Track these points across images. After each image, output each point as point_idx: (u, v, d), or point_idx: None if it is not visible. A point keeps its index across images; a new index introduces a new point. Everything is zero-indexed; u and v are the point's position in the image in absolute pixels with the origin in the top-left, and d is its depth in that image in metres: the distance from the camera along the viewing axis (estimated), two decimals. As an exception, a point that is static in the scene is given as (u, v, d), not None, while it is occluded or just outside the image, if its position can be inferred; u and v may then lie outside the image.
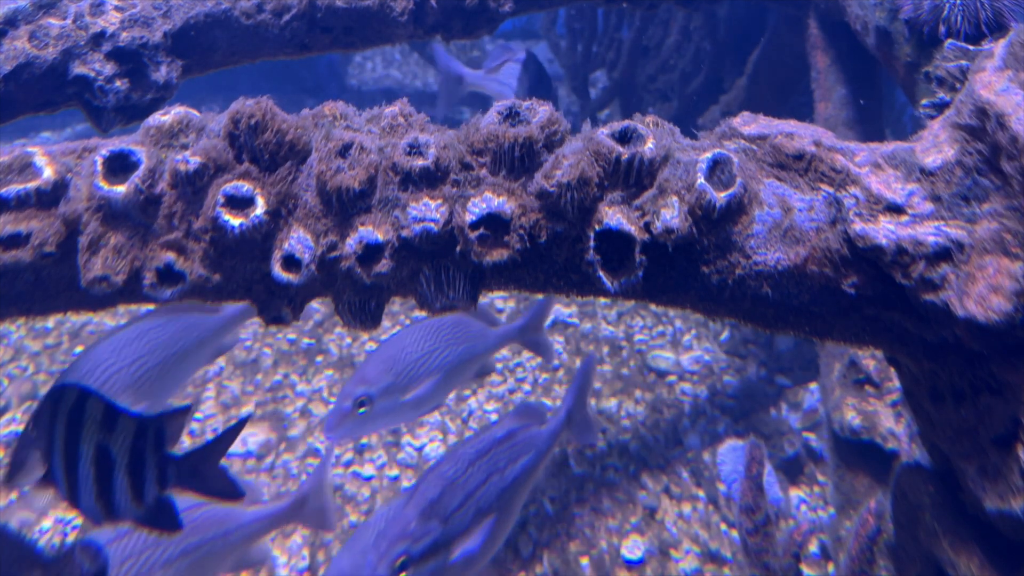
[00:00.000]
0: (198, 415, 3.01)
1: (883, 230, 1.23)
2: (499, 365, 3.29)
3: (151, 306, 1.62)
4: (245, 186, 1.32)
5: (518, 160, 1.30)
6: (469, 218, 1.27)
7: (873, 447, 2.26)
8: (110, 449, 1.24)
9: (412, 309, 3.59)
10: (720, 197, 1.27)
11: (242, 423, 1.38)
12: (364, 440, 2.90)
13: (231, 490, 1.34)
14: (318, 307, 3.55)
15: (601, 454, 2.89)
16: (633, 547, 2.53)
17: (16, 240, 1.31)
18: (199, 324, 2.09)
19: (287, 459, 2.82)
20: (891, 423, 2.25)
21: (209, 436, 2.90)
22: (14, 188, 1.32)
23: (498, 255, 1.27)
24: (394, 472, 2.79)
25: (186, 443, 2.85)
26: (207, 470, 1.32)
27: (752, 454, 1.73)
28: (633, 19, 4.49)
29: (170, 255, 1.33)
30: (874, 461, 2.29)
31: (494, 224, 1.28)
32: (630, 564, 2.49)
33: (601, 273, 1.28)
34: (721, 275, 1.32)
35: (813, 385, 3.06)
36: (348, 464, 2.81)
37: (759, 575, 1.72)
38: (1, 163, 1.35)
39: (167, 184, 1.33)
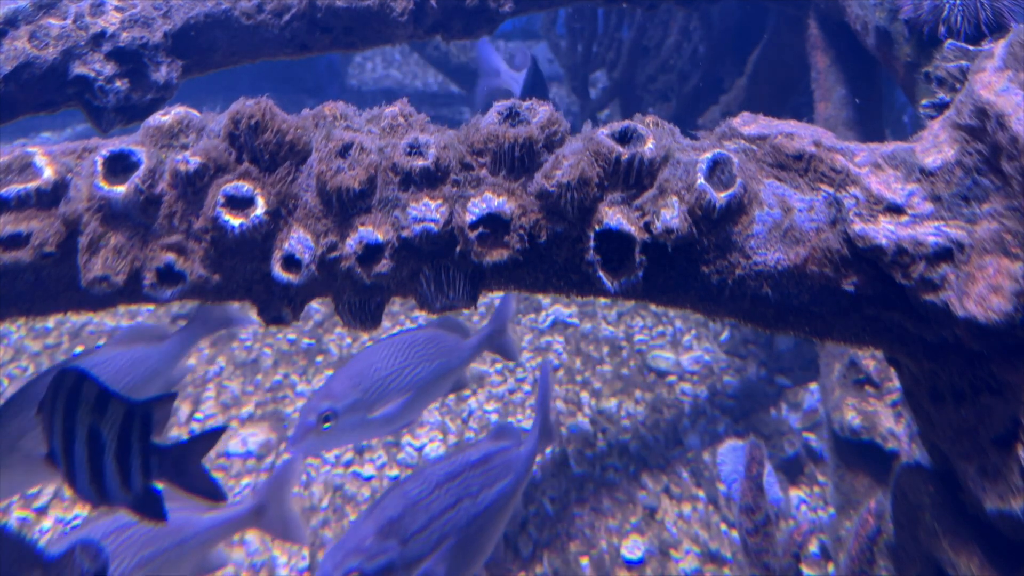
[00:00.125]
0: (198, 415, 3.01)
1: (883, 230, 1.23)
2: (499, 365, 3.29)
3: (151, 306, 1.62)
4: (245, 186, 1.32)
5: (518, 160, 1.30)
6: (469, 218, 1.27)
7: (873, 447, 2.26)
8: (101, 433, 1.27)
9: (412, 309, 3.59)
10: (720, 197, 1.27)
11: (220, 430, 1.41)
12: (364, 441, 2.90)
13: (213, 490, 1.36)
14: (318, 307, 3.55)
15: (601, 454, 2.89)
16: (633, 547, 2.53)
17: (16, 240, 1.31)
18: (144, 359, 1.99)
19: (287, 460, 2.82)
20: (891, 423, 2.25)
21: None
22: (14, 188, 1.32)
23: (498, 255, 1.27)
24: (394, 472, 2.79)
25: (186, 443, 2.85)
26: (189, 467, 1.35)
27: (752, 454, 1.73)
28: (633, 19, 4.49)
29: (170, 255, 1.33)
30: (874, 461, 2.29)
31: (494, 224, 1.28)
32: (630, 564, 2.49)
33: (601, 273, 1.28)
34: (721, 275, 1.32)
35: (813, 385, 3.06)
36: (348, 464, 2.81)
37: (759, 575, 1.72)
38: (1, 163, 1.35)
39: (167, 184, 1.33)
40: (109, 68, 2.15)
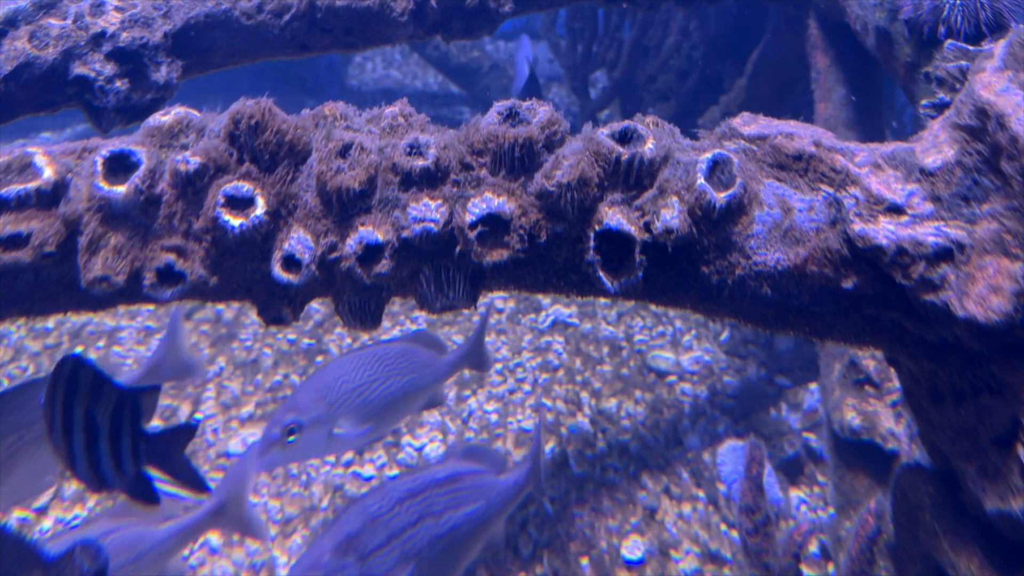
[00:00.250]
0: (198, 415, 3.01)
1: (883, 230, 1.23)
2: (499, 366, 3.30)
3: (151, 306, 1.62)
4: (245, 186, 1.32)
5: (518, 160, 1.30)
6: (469, 218, 1.27)
7: (873, 447, 2.26)
8: (96, 417, 1.29)
9: (412, 309, 3.59)
10: (720, 197, 1.27)
11: (195, 426, 1.46)
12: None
13: (196, 481, 1.40)
14: (318, 307, 3.55)
15: (601, 454, 2.89)
16: (633, 547, 2.53)
17: (16, 240, 1.31)
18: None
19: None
20: (891, 423, 2.25)
21: (209, 437, 2.91)
22: (14, 188, 1.32)
23: (498, 255, 1.27)
24: (394, 472, 2.79)
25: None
26: (173, 455, 1.38)
27: (752, 454, 1.73)
28: (634, 19, 4.49)
29: (170, 255, 1.33)
30: (874, 461, 2.29)
31: (494, 224, 1.28)
32: (630, 564, 2.49)
33: (601, 273, 1.28)
34: (721, 275, 1.32)
35: (813, 385, 3.06)
36: (348, 464, 2.81)
37: (759, 575, 1.72)
38: (1, 163, 1.35)
39: (167, 184, 1.33)
40: (109, 68, 2.15)
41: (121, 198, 1.30)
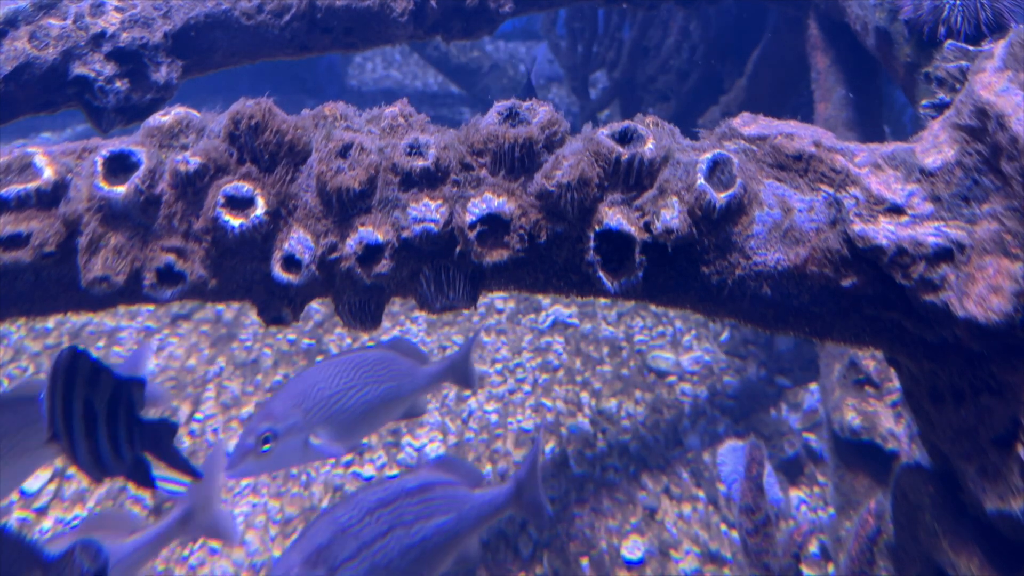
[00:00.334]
0: (198, 415, 3.01)
1: (883, 231, 1.23)
2: (499, 366, 3.30)
3: (151, 306, 1.62)
4: (245, 187, 1.32)
5: (518, 160, 1.30)
6: (469, 218, 1.27)
7: (873, 447, 2.26)
8: (95, 405, 1.31)
9: (412, 309, 3.59)
10: (720, 198, 1.27)
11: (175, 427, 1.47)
12: (364, 440, 2.90)
13: (187, 467, 1.44)
14: (318, 307, 3.55)
15: (601, 454, 2.89)
16: (633, 547, 2.53)
17: (16, 240, 1.31)
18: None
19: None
20: (891, 423, 2.25)
21: (209, 437, 2.90)
22: (14, 188, 1.32)
23: (498, 255, 1.27)
24: (394, 472, 2.79)
25: (187, 443, 2.85)
26: (163, 442, 1.42)
27: (752, 455, 1.73)
28: (634, 19, 4.50)
29: (170, 256, 1.33)
30: (874, 461, 2.29)
31: (494, 224, 1.28)
32: (630, 564, 2.49)
33: (601, 273, 1.28)
34: (721, 275, 1.32)
35: (813, 385, 3.06)
36: (348, 464, 2.81)
37: (759, 575, 1.72)
38: (1, 163, 1.35)
39: (167, 184, 1.33)
40: (109, 68, 2.15)
41: (121, 198, 1.30)
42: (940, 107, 1.67)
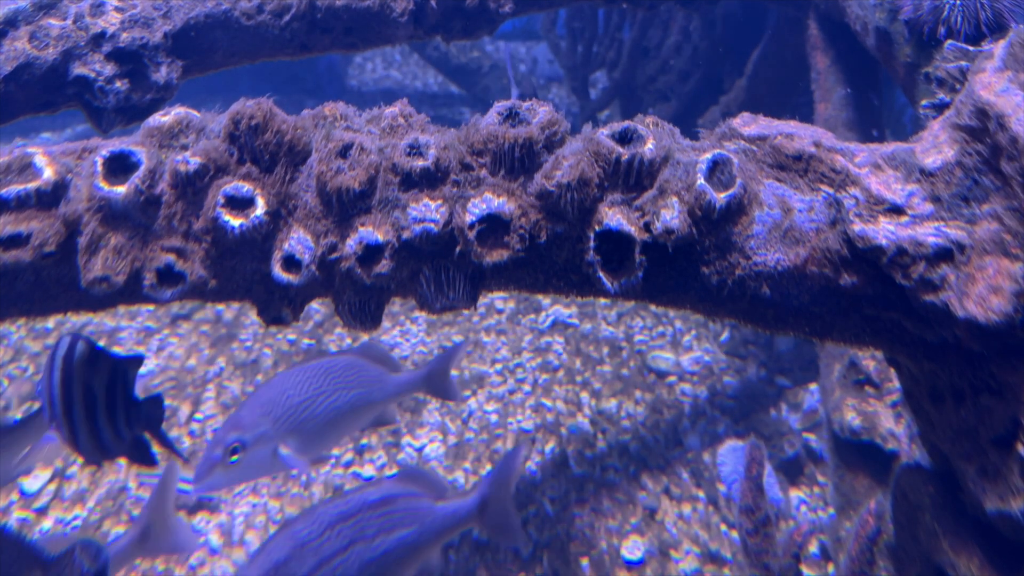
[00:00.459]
0: (198, 415, 3.01)
1: (883, 231, 1.23)
2: (499, 366, 3.30)
3: (151, 306, 1.63)
4: (245, 187, 1.32)
5: (518, 161, 1.30)
6: (469, 219, 1.27)
7: (873, 448, 2.26)
8: (94, 388, 1.34)
9: (412, 309, 3.59)
10: (720, 198, 1.27)
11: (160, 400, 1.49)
12: (364, 440, 2.90)
13: (171, 447, 1.48)
14: (318, 308, 3.55)
15: (601, 455, 2.89)
16: (633, 548, 2.53)
17: (16, 240, 1.31)
18: None
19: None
20: (891, 424, 2.25)
21: (210, 437, 2.90)
22: (14, 188, 1.32)
23: (498, 256, 1.27)
24: (394, 472, 2.79)
25: (186, 443, 2.85)
26: (155, 421, 1.45)
27: (752, 455, 1.73)
28: (634, 19, 4.50)
29: (170, 256, 1.33)
30: (874, 462, 2.29)
31: (494, 225, 1.28)
32: (630, 564, 2.49)
33: (601, 274, 1.28)
34: (721, 276, 1.32)
35: (813, 386, 3.06)
36: (348, 464, 2.81)
37: (759, 575, 1.72)
38: (1, 163, 1.35)
39: (167, 185, 1.33)
40: (109, 69, 2.15)
41: (121, 198, 1.30)
42: (940, 107, 1.67)
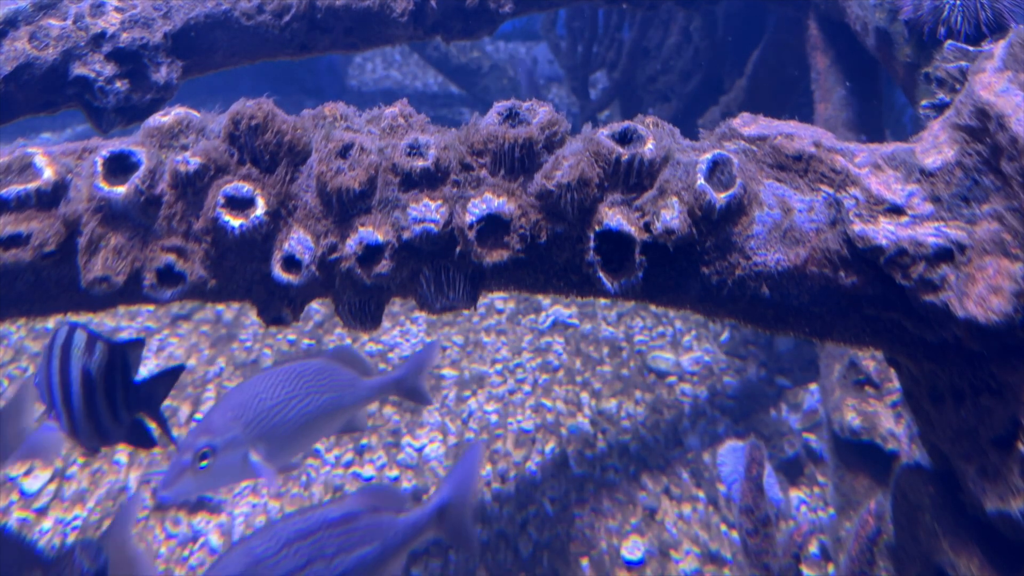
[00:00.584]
0: (198, 416, 3.01)
1: (883, 231, 1.23)
2: (499, 366, 3.30)
3: (151, 307, 1.63)
4: (245, 187, 1.32)
5: (518, 161, 1.30)
6: (469, 219, 1.27)
7: (873, 448, 2.26)
8: (92, 373, 1.33)
9: (412, 309, 3.59)
10: (720, 198, 1.27)
11: (180, 369, 1.50)
12: (364, 440, 2.90)
13: (167, 430, 1.50)
14: (318, 308, 3.55)
15: (601, 455, 2.89)
16: (633, 548, 2.53)
17: (16, 240, 1.31)
18: None
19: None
20: (891, 424, 2.25)
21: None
22: (14, 189, 1.32)
23: (498, 256, 1.27)
24: (394, 473, 2.79)
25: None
26: (155, 403, 1.46)
27: (752, 455, 1.73)
28: (634, 20, 4.50)
29: (170, 256, 1.33)
30: (874, 462, 2.29)
31: (494, 225, 1.28)
32: (630, 565, 2.49)
33: (601, 274, 1.28)
34: (721, 276, 1.32)
35: (813, 386, 3.06)
36: (348, 465, 2.81)
37: (759, 575, 1.72)
38: (1, 164, 1.35)
39: (167, 185, 1.33)
40: (109, 69, 2.15)
41: (121, 198, 1.30)
42: (940, 107, 1.67)
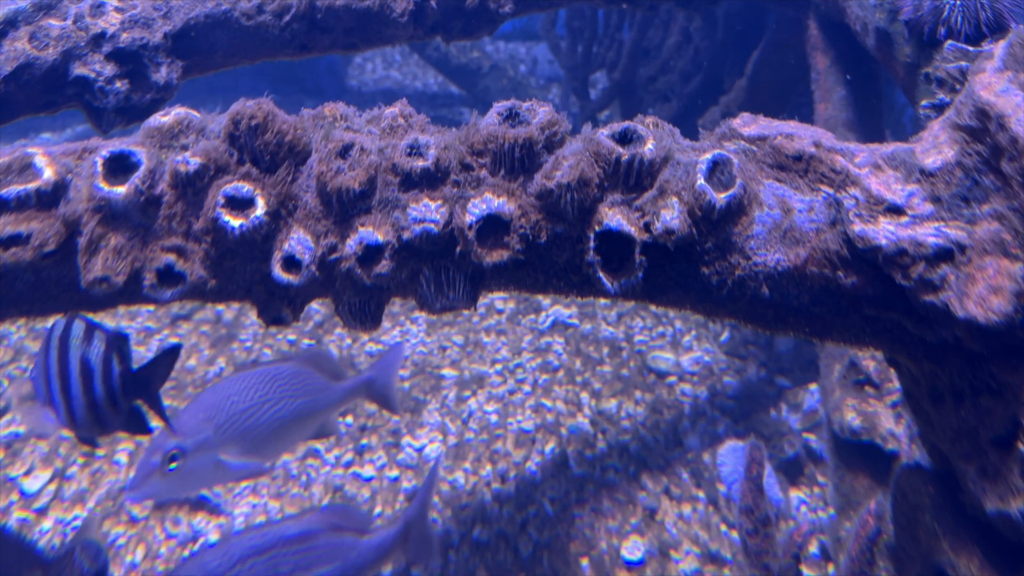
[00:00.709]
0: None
1: (883, 231, 1.23)
2: (499, 366, 3.30)
3: (151, 307, 1.63)
4: (245, 187, 1.32)
5: (518, 161, 1.30)
6: (469, 219, 1.27)
7: (873, 448, 2.26)
8: (91, 362, 1.36)
9: (412, 309, 3.59)
10: (720, 198, 1.27)
11: (176, 348, 1.48)
12: (364, 440, 2.90)
13: (163, 416, 1.49)
14: (318, 308, 3.55)
15: (601, 455, 2.89)
16: (633, 548, 2.53)
17: (16, 241, 1.31)
18: None
19: (287, 459, 2.83)
20: (891, 424, 2.24)
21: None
22: (14, 189, 1.32)
23: (498, 256, 1.27)
24: (394, 473, 2.79)
25: (186, 444, 2.85)
26: (153, 387, 1.46)
27: (752, 455, 1.73)
28: (634, 20, 4.50)
29: (170, 256, 1.33)
30: (874, 462, 2.29)
31: (494, 225, 1.28)
32: (630, 565, 2.49)
33: (601, 274, 1.28)
34: (721, 276, 1.32)
35: (813, 386, 3.06)
36: (348, 465, 2.81)
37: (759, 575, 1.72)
38: (1, 164, 1.35)
39: (167, 185, 1.33)
40: (109, 69, 2.15)
41: (121, 199, 1.30)
42: (940, 107, 1.67)
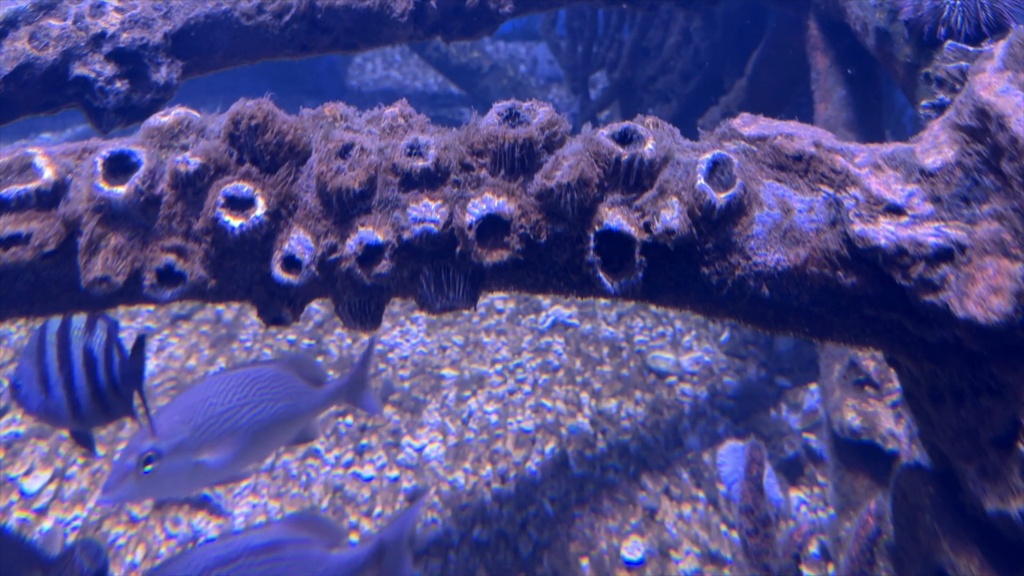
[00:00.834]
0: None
1: (883, 231, 1.23)
2: (499, 366, 3.30)
3: (151, 307, 1.63)
4: (245, 187, 1.32)
5: (518, 161, 1.30)
6: (469, 219, 1.27)
7: (873, 448, 2.26)
8: (94, 351, 1.38)
9: (412, 309, 3.59)
10: (720, 198, 1.27)
11: (142, 339, 1.50)
12: (364, 440, 2.90)
13: (142, 396, 1.54)
14: (318, 308, 3.55)
15: (601, 455, 2.89)
16: (633, 548, 2.53)
17: (16, 241, 1.31)
18: None
19: (287, 459, 2.83)
20: (891, 424, 2.24)
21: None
22: (14, 189, 1.32)
23: (498, 256, 1.27)
24: (394, 473, 2.79)
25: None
26: (140, 375, 1.50)
27: (752, 455, 1.73)
28: (634, 20, 4.50)
29: (170, 256, 1.33)
30: (874, 462, 2.29)
31: (494, 225, 1.28)
32: (630, 565, 2.49)
33: (601, 274, 1.28)
34: (721, 276, 1.32)
35: (813, 386, 3.06)
36: (348, 465, 2.81)
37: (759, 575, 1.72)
38: (1, 164, 1.35)
39: (167, 185, 1.33)
40: (109, 69, 2.15)
41: (121, 199, 1.30)
42: (940, 107, 1.67)
